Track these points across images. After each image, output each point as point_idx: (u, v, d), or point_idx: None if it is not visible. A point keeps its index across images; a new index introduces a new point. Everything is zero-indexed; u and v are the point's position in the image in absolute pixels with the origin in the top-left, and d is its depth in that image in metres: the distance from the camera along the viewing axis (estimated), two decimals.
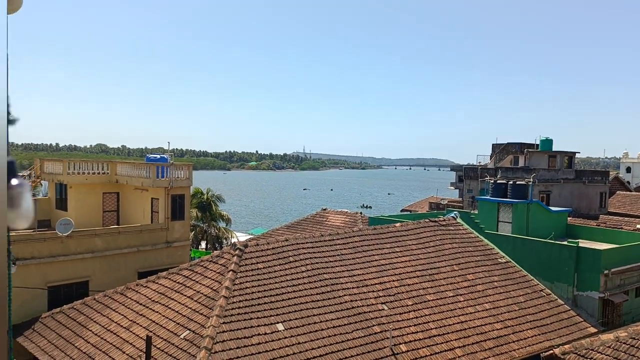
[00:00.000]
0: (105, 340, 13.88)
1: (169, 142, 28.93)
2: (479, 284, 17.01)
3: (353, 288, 15.06)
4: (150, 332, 12.94)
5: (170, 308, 14.00)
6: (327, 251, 16.46)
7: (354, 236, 17.78)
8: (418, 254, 17.75)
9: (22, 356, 14.81)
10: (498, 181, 28.43)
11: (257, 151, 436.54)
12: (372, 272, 16.03)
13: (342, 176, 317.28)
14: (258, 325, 12.66)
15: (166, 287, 15.09)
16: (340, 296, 14.54)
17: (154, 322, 13.71)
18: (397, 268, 16.62)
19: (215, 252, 16.94)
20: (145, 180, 23.04)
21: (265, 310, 13.24)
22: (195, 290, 14.31)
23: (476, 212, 28.27)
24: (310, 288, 14.50)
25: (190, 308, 13.58)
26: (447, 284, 16.52)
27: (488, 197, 27.65)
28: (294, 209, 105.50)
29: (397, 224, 19.74)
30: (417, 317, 14.62)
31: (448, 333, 14.36)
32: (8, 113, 1.33)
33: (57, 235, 19.32)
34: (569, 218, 28.86)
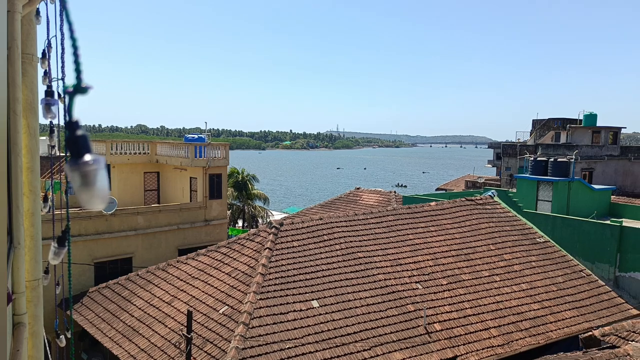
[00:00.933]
0: (148, 314, 14.53)
1: (206, 122, 29.45)
2: (516, 264, 16.76)
3: (387, 267, 15.14)
4: (191, 307, 13.46)
5: (209, 284, 14.48)
6: (361, 230, 16.54)
7: (387, 215, 17.77)
8: (453, 233, 17.60)
9: (71, 328, 15.68)
10: (538, 158, 27.61)
11: (291, 130, 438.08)
12: (406, 251, 16.03)
13: (376, 154, 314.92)
14: (293, 302, 12.95)
15: (205, 264, 15.59)
16: (374, 275, 14.65)
17: (194, 297, 14.24)
18: (431, 247, 16.56)
19: (251, 230, 17.32)
20: (184, 160, 23.61)
21: (300, 287, 13.51)
22: (232, 267, 14.72)
23: (514, 190, 27.63)
24: (345, 266, 14.67)
25: (228, 284, 14.01)
26: (482, 264, 16.36)
27: (527, 175, 26.94)
28: (328, 188, 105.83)
29: (432, 203, 19.57)
30: (451, 297, 14.59)
31: (483, 313, 14.28)
32: (80, 80, 1.21)
33: (102, 213, 20.16)
34: (612, 196, 27.83)
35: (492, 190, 23.23)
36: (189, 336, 11.89)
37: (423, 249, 16.39)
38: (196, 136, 25.50)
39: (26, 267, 3.82)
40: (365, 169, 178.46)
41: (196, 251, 16.79)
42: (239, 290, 13.54)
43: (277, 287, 13.33)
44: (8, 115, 3.32)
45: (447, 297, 14.52)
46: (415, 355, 12.39)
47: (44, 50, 4.71)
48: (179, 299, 14.54)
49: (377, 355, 12.09)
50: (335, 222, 16.61)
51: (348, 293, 13.71)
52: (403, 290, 14.35)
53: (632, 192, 34.18)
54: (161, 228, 21.83)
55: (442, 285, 14.98)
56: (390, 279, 14.67)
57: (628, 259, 20.34)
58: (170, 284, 15.49)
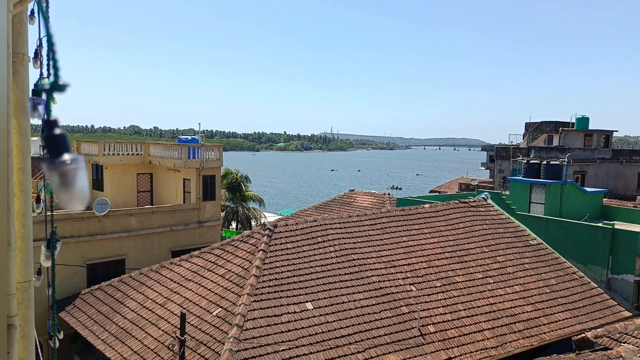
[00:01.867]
0: (141, 316, 14.43)
1: (199, 124, 29.36)
2: (509, 266, 16.82)
3: (381, 269, 15.14)
4: (184, 309, 13.38)
5: (202, 286, 14.41)
6: (355, 232, 16.54)
7: (382, 217, 17.78)
8: (447, 235, 17.64)
9: (64, 330, 15.54)
10: (531, 161, 27.76)
11: (285, 132, 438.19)
12: (400, 253, 16.05)
13: (370, 157, 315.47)
14: (287, 304, 12.92)
15: (199, 265, 15.52)
16: (368, 276, 14.64)
17: (187, 299, 14.16)
18: (425, 249, 16.58)
19: (245, 232, 17.27)
20: (177, 161, 23.52)
21: (295, 289, 13.47)
22: (226, 269, 14.66)
23: (507, 193, 27.75)
24: (339, 268, 14.65)
25: (222, 286, 13.95)
26: (476, 266, 16.40)
27: (520, 178, 27.08)
28: (322, 190, 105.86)
29: (426, 205, 19.61)
30: (445, 299, 14.61)
31: (477, 315, 14.31)
32: (57, 77, 1.18)
33: (95, 214, 20.02)
34: (604, 199, 28.02)
35: (486, 193, 23.32)
36: (182, 338, 11.83)
37: (417, 251, 16.41)
38: (190, 137, 25.43)
39: (17, 269, 3.77)
40: (359, 171, 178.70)
41: (189, 253, 16.71)
42: (232, 292, 13.49)
43: (271, 289, 13.28)
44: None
45: (440, 299, 14.54)
46: (409, 357, 12.39)
47: (36, 49, 4.67)
48: (172, 301, 14.46)
49: (371, 358, 12.08)
50: (329, 224, 16.60)
51: (342, 295, 13.69)
52: (397, 292, 14.35)
53: (623, 195, 34.44)
54: (154, 229, 21.72)
55: (435, 287, 15.00)
56: (384, 281, 14.67)
57: (620, 261, 20.46)
58: (163, 286, 15.40)
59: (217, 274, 14.65)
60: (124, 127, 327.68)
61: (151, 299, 14.99)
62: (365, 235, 16.50)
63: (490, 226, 18.89)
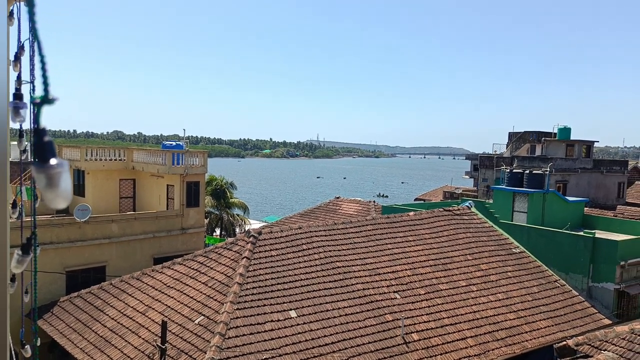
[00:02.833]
0: (121, 325, 14.17)
1: (184, 130, 29.15)
2: (493, 274, 16.93)
3: (365, 276, 15.11)
4: (166, 317, 13.18)
5: (184, 294, 14.21)
6: (340, 239, 16.51)
7: (367, 225, 17.79)
8: (431, 243, 17.71)
9: (41, 339, 15.19)
10: (514, 170, 28.12)
11: (271, 139, 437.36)
12: (384, 261, 16.05)
13: (355, 164, 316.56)
14: (271, 312, 12.80)
15: (181, 273, 15.31)
16: (352, 284, 14.60)
17: (169, 307, 13.95)
18: (410, 257, 16.62)
19: (229, 239, 17.12)
20: (161, 167, 23.28)
21: (278, 297, 13.37)
22: (209, 276, 14.49)
23: (491, 201, 28.03)
24: (323, 276, 14.59)
25: (205, 294, 13.77)
26: (460, 274, 16.48)
27: (503, 187, 27.38)
28: (308, 197, 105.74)
29: (411, 213, 19.69)
30: (429, 307, 14.63)
31: (460, 322, 14.36)
32: (47, 92, 1.35)
33: (75, 220, 19.67)
34: (585, 208, 28.46)
35: (470, 201, 23.51)
36: (163, 347, 11.63)
37: (401, 258, 16.43)
38: (174, 143, 25.21)
39: None
40: (345, 178, 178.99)
41: (172, 260, 16.49)
42: (215, 300, 13.33)
43: (254, 297, 13.16)
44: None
45: (424, 307, 14.56)
46: None
47: (16, 53, 4.58)
48: (153, 308, 14.23)
49: None
50: (315, 231, 16.55)
51: (326, 303, 13.62)
52: (381, 300, 14.33)
53: (604, 204, 35.02)
54: (136, 236, 21.41)
55: (420, 295, 15.02)
56: (368, 288, 14.65)
57: (601, 270, 20.77)
58: (144, 293, 15.15)
59: (200, 281, 14.47)
60: (108, 132, 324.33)
61: (132, 307, 14.73)
62: (350, 243, 16.48)
63: (474, 234, 19.02)
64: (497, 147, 44.83)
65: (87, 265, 20.02)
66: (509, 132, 45.33)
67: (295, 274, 14.32)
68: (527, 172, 26.89)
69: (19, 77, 4.54)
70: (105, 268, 20.42)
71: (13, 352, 4.95)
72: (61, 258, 19.39)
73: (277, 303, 13.15)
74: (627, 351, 11.36)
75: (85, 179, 24.83)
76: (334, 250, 15.84)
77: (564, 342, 12.55)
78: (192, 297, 13.90)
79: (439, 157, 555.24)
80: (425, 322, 14.00)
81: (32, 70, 4.70)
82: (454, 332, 13.93)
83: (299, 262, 14.85)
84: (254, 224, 39.92)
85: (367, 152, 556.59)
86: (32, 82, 4.73)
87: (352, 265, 15.40)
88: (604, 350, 11.54)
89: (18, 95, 3.86)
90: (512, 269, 17.55)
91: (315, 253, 15.44)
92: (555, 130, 39.08)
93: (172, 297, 14.32)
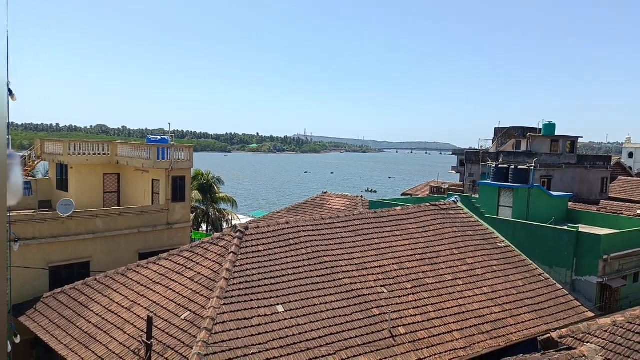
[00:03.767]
0: (106, 321, 14.00)
1: (169, 124, 28.79)
2: (478, 268, 17.08)
3: (353, 271, 15.13)
4: (151, 312, 13.05)
5: (170, 289, 14.09)
6: (328, 234, 16.49)
7: (354, 219, 17.79)
8: (418, 238, 17.79)
9: (24, 335, 14.96)
10: (499, 165, 28.34)
11: (258, 133, 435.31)
12: (372, 255, 16.08)
13: (343, 159, 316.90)
14: (258, 307, 12.75)
15: (167, 268, 15.17)
16: (340, 279, 14.61)
17: (154, 302, 13.82)
18: (397, 251, 16.67)
19: (215, 234, 16.99)
20: (146, 161, 22.99)
21: (265, 292, 13.32)
22: (195, 271, 14.38)
23: (477, 196, 28.25)
24: (310, 270, 14.57)
25: (191, 289, 13.66)
26: (446, 268, 16.58)
27: (489, 182, 27.61)
28: (295, 192, 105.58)
29: (398, 208, 19.74)
30: (416, 300, 14.71)
31: (446, 316, 14.46)
32: (9, 89, 1.28)
33: (58, 215, 19.36)
34: (569, 203, 28.85)
35: (456, 196, 23.65)
36: (149, 343, 11.52)
37: (389, 253, 16.48)
38: (159, 137, 24.89)
39: None
40: (332, 173, 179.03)
41: (158, 255, 16.33)
42: (201, 295, 13.23)
43: (241, 292, 13.09)
44: None
45: (411, 301, 14.63)
46: (380, 359, 12.40)
47: None
48: (139, 304, 14.08)
49: None
50: (302, 226, 16.50)
51: (313, 297, 13.61)
52: (368, 294, 14.37)
53: (588, 199, 35.54)
54: (121, 231, 21.15)
55: (406, 289, 15.08)
56: (355, 283, 14.67)
57: (584, 264, 21.08)
58: (129, 289, 14.99)
59: (186, 276, 14.35)
60: (91, 126, 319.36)
61: (117, 303, 14.56)
62: (338, 238, 16.47)
63: (460, 229, 19.15)
64: (483, 142, 45.16)
65: (71, 261, 19.74)
66: (495, 128, 45.71)
67: (282, 269, 14.28)
68: (513, 167, 27.13)
69: None
70: (89, 264, 20.15)
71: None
72: (44, 254, 19.09)
73: (264, 298, 13.10)
74: (610, 343, 11.55)
75: (68, 174, 24.45)
76: (321, 245, 15.82)
77: (548, 335, 12.72)
78: (178, 293, 13.79)
79: (426, 152, 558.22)
80: (411, 315, 14.07)
81: None
82: (440, 326, 14.04)
83: (286, 257, 14.81)
84: (241, 219, 39.74)
85: (355, 147, 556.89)
86: None
87: (339, 260, 15.40)
88: (587, 343, 11.71)
89: None
90: (497, 263, 17.72)
91: (302, 248, 15.41)
92: (541, 126, 39.49)
93: (158, 293, 14.18)
